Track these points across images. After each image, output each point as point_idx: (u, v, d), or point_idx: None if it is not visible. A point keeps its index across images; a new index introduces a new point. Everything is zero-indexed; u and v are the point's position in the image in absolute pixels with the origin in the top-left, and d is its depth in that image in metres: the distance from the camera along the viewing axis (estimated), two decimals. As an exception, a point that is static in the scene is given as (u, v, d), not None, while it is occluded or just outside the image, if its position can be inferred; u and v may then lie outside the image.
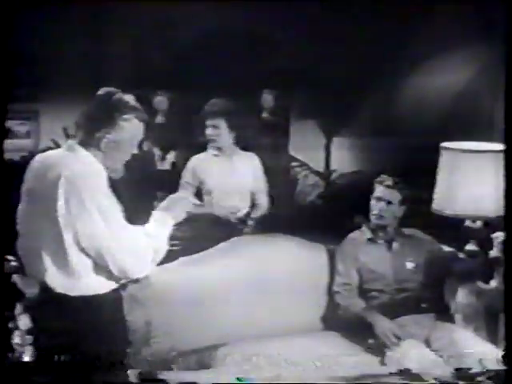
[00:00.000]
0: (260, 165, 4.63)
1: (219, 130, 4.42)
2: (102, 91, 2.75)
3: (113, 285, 2.70)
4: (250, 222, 4.43)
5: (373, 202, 3.82)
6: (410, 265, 3.78)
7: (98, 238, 2.59)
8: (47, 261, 2.63)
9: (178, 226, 2.87)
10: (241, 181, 4.50)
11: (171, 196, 2.89)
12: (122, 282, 2.72)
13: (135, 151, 2.77)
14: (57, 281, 2.63)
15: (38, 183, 2.68)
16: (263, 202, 4.58)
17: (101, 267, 2.64)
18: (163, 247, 2.75)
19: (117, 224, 2.62)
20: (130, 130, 2.72)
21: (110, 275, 2.66)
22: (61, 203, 2.58)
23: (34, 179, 2.71)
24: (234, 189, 4.48)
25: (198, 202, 2.95)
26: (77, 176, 2.60)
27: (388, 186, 3.78)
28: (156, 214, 2.80)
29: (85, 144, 2.70)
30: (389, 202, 3.78)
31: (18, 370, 2.78)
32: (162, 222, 2.77)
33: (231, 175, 4.49)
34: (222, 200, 4.46)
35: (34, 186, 2.70)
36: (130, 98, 2.74)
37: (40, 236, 2.64)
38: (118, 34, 7.18)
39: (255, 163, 4.60)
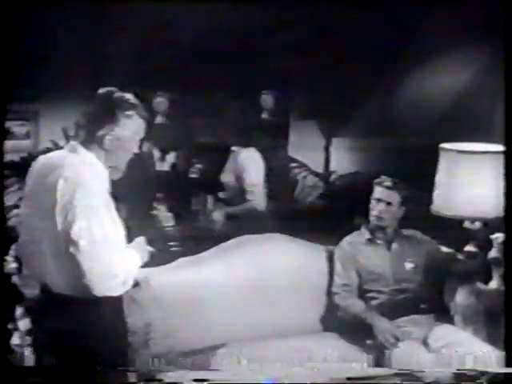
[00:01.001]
0: (256, 159, 4.48)
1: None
2: (102, 90, 2.76)
3: (112, 286, 2.69)
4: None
5: (372, 203, 3.83)
6: (409, 266, 3.78)
7: (84, 240, 2.57)
8: (47, 262, 2.63)
9: (178, 226, 2.87)
10: (229, 178, 4.51)
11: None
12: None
13: (137, 150, 2.78)
14: (57, 282, 2.63)
15: (39, 184, 2.68)
16: (255, 198, 4.43)
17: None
18: (131, 279, 2.72)
19: (102, 237, 2.58)
20: (132, 126, 2.73)
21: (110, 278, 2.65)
22: (59, 204, 2.58)
23: (36, 181, 2.72)
24: (227, 187, 4.52)
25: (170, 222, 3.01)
26: (76, 177, 2.60)
27: (387, 187, 3.79)
28: (136, 245, 2.81)
29: (87, 144, 2.71)
30: (388, 203, 3.78)
31: (17, 371, 2.79)
32: (136, 256, 2.78)
33: (227, 173, 4.52)
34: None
35: (36, 187, 2.70)
36: (130, 96, 2.76)
37: (40, 237, 2.64)
38: (118, 34, 7.17)
39: (248, 158, 4.47)
